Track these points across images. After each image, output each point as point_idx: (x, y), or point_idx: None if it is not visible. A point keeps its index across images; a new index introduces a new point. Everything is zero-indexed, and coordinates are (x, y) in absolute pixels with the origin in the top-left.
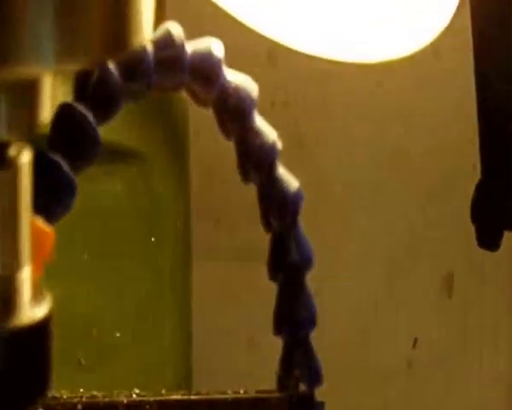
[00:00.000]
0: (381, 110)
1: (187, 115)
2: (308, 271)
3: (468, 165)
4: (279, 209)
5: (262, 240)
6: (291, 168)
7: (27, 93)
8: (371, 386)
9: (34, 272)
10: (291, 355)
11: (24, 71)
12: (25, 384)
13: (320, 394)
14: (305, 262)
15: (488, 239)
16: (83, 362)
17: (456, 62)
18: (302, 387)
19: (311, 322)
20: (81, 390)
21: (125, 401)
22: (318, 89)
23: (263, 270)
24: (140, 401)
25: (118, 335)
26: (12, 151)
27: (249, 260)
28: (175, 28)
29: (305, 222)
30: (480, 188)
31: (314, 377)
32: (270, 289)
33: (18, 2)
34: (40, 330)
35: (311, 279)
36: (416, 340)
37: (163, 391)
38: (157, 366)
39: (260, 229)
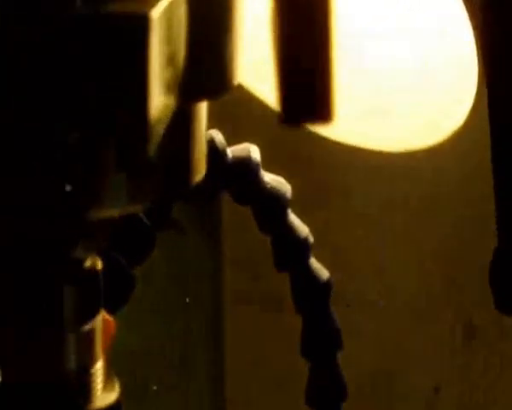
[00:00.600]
0: None
1: None
2: (338, 351)
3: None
4: (312, 295)
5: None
6: None
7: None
8: None
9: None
10: (317, 377)
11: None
12: None
13: None
14: (337, 342)
15: (506, 304)
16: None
17: None
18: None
19: (342, 397)
20: None
21: None
22: None
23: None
24: None
25: (154, 388)
26: (88, 263)
27: (279, 310)
28: (217, 135)
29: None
30: (497, 252)
31: (340, 396)
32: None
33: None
34: None
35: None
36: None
37: None
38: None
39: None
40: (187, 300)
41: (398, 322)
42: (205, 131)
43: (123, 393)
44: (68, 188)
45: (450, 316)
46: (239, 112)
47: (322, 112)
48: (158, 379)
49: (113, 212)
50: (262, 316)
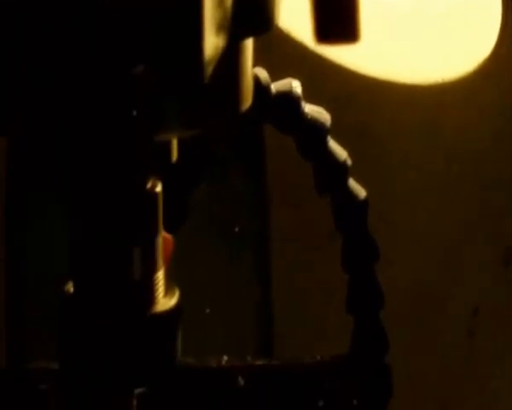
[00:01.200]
0: None
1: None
2: (375, 263)
3: None
4: (350, 217)
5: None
6: None
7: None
8: (433, 355)
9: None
10: (362, 330)
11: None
12: (160, 357)
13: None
14: (375, 256)
15: None
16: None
17: None
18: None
19: (380, 303)
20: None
21: (216, 366)
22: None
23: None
24: (228, 367)
25: (208, 310)
26: (149, 185)
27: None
28: (261, 73)
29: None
30: None
31: (382, 348)
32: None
33: None
34: (172, 315)
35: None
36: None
37: (248, 358)
38: (243, 335)
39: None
40: (236, 229)
41: (437, 249)
42: (251, 66)
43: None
44: (134, 112)
45: (489, 241)
46: (278, 52)
47: (349, 30)
48: (208, 304)
49: (172, 135)
50: (305, 251)
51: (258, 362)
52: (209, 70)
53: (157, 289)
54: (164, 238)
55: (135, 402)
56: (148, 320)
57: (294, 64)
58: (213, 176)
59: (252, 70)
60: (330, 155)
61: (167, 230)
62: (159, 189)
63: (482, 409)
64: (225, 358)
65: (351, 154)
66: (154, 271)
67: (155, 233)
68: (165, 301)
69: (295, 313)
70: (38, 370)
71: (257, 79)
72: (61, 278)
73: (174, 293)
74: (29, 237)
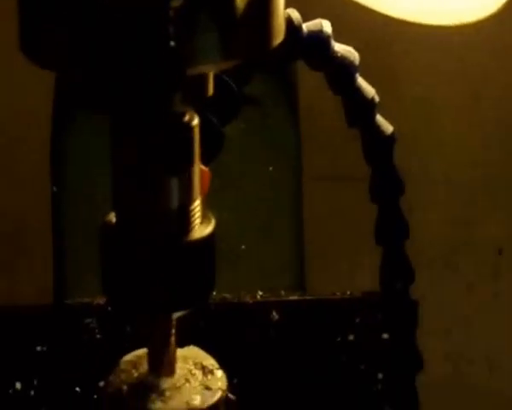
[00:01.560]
0: None
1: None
2: (401, 196)
3: None
4: (377, 149)
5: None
6: None
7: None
8: (460, 290)
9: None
10: (389, 262)
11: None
12: (199, 282)
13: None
14: (399, 189)
15: None
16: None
17: None
18: (398, 285)
19: (404, 234)
20: (213, 293)
21: (251, 301)
22: None
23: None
24: (263, 302)
25: (243, 247)
26: (186, 118)
27: (351, 180)
28: (294, 13)
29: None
30: None
31: (409, 279)
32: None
33: None
34: (207, 242)
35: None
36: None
37: (282, 292)
38: (277, 271)
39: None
40: (270, 168)
41: (461, 192)
42: (283, 6)
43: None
44: (172, 44)
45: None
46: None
47: None
48: (247, 240)
49: (208, 68)
50: (335, 189)
51: (292, 297)
52: (241, 5)
53: (194, 218)
54: (201, 170)
55: (174, 329)
56: (185, 247)
57: (326, 9)
58: (250, 116)
59: (284, 10)
60: (359, 90)
61: (203, 162)
62: (196, 122)
63: (507, 345)
64: (260, 293)
65: (379, 94)
66: (191, 200)
67: (192, 164)
68: (201, 229)
69: (326, 249)
70: (83, 305)
71: (289, 19)
72: (102, 211)
73: (210, 221)
74: (72, 171)
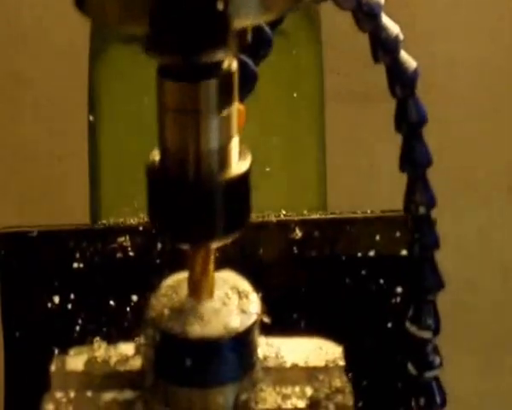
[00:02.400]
0: None
1: None
2: (423, 126)
3: None
4: (402, 83)
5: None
6: None
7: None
8: (476, 204)
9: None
10: (413, 186)
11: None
12: (236, 214)
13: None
14: (421, 121)
15: None
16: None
17: None
18: (422, 210)
19: (427, 162)
20: None
21: (275, 220)
22: None
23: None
24: (286, 221)
25: (268, 169)
26: (226, 63)
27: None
28: None
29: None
30: None
31: (430, 202)
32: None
33: None
34: (244, 177)
35: None
36: None
37: (305, 212)
38: (299, 191)
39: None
40: (294, 94)
41: (479, 106)
42: None
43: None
44: (220, 6)
45: None
46: None
47: None
48: (271, 163)
49: (251, 22)
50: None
51: (314, 216)
52: None
53: (232, 156)
54: (238, 109)
55: (212, 256)
56: (224, 184)
57: None
58: (277, 47)
59: None
60: (384, 27)
61: (238, 100)
62: (235, 67)
63: None
64: (283, 212)
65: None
66: (230, 139)
67: (232, 105)
68: (239, 165)
69: (348, 169)
70: (117, 225)
71: None
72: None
73: (246, 157)
74: (108, 101)
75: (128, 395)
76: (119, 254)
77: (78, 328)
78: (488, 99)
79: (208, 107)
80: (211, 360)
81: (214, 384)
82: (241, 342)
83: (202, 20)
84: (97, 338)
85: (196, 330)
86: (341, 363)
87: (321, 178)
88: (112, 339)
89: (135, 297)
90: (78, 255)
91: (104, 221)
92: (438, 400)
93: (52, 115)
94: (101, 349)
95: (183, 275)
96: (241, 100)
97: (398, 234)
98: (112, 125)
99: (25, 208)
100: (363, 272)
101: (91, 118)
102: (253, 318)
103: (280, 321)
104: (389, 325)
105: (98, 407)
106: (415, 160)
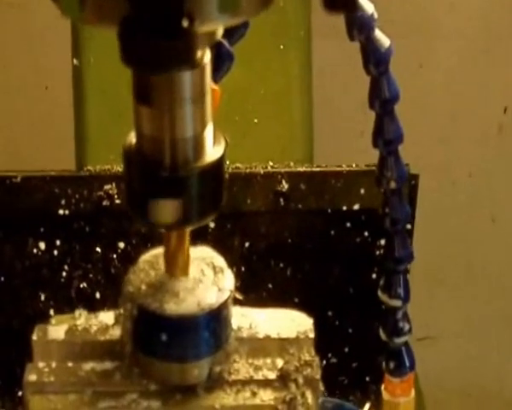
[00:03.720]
0: None
1: None
2: (396, 104)
3: None
4: (376, 60)
5: None
6: None
7: None
8: (464, 149)
9: None
10: (385, 162)
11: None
12: (211, 199)
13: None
14: (394, 98)
15: None
16: (228, 141)
17: None
18: (393, 185)
19: (399, 139)
20: (227, 163)
21: (262, 171)
22: None
23: None
24: (273, 172)
25: (256, 120)
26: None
27: None
28: None
29: None
30: None
31: (401, 177)
32: None
33: None
34: (218, 163)
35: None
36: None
37: (291, 164)
38: (286, 143)
39: None
40: (281, 46)
41: (468, 51)
42: None
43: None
44: None
45: None
46: None
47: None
48: (258, 113)
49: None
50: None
51: (301, 169)
52: None
53: (206, 143)
54: (212, 90)
55: (188, 237)
56: (198, 171)
57: None
58: None
59: None
60: (360, 7)
61: (214, 80)
62: (208, 58)
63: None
64: (270, 164)
65: None
66: (204, 127)
67: (206, 94)
68: (213, 152)
69: (334, 123)
70: (103, 172)
71: None
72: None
73: (220, 143)
74: (92, 46)
75: (107, 365)
76: (105, 202)
77: (64, 274)
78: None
79: (182, 96)
80: (186, 336)
81: (190, 358)
82: (216, 318)
83: (168, 38)
84: (79, 308)
85: (172, 307)
86: (311, 335)
87: (308, 131)
88: (98, 286)
89: (121, 244)
90: (63, 202)
91: (90, 168)
92: (407, 364)
93: (38, 56)
94: (81, 318)
95: (160, 250)
96: (217, 81)
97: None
98: (97, 70)
99: (9, 152)
100: (348, 225)
101: (76, 62)
102: (227, 294)
103: (267, 271)
104: (373, 275)
105: (78, 377)
106: (387, 136)
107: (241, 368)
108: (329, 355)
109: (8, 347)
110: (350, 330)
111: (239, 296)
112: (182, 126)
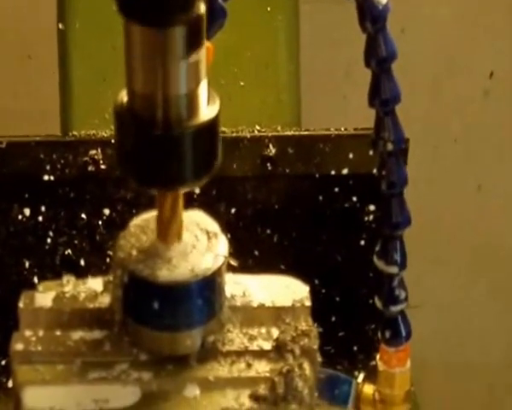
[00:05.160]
0: None
1: None
2: (393, 62)
3: None
4: (372, 18)
5: None
6: None
7: None
8: (449, 115)
9: None
10: (381, 123)
11: None
12: (205, 160)
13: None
14: (391, 56)
15: None
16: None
17: None
18: (390, 147)
19: (396, 99)
20: None
21: (249, 135)
22: None
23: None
24: (260, 136)
25: (242, 83)
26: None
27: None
28: None
29: None
30: None
31: (398, 139)
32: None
33: None
34: (213, 122)
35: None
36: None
37: (279, 128)
38: (273, 107)
39: None
40: (268, 8)
41: (454, 18)
42: None
43: None
44: None
45: (506, 10)
46: None
47: None
48: (244, 76)
49: None
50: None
51: (288, 132)
52: None
53: (201, 100)
54: (206, 47)
55: (181, 200)
56: (193, 130)
57: None
58: None
59: None
60: None
61: (207, 37)
62: (203, 10)
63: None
64: (257, 128)
65: None
66: (198, 83)
67: (200, 49)
68: (207, 110)
69: (322, 87)
70: (88, 137)
71: None
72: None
73: (215, 101)
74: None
75: (96, 334)
76: (90, 167)
77: (49, 241)
78: None
79: (176, 52)
80: (179, 304)
81: (182, 327)
82: (209, 286)
83: None
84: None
85: (164, 273)
86: (308, 303)
87: (295, 94)
88: (83, 253)
89: (106, 211)
90: (48, 167)
91: (75, 133)
92: (403, 333)
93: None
94: (69, 285)
95: (151, 214)
96: (209, 38)
97: (371, 152)
98: (82, 35)
99: None
100: (336, 190)
101: (61, 26)
102: (221, 260)
103: (253, 238)
104: (362, 242)
105: (67, 347)
106: (384, 96)
107: (236, 338)
108: (316, 324)
109: None
110: (337, 299)
111: (233, 263)
112: (175, 83)
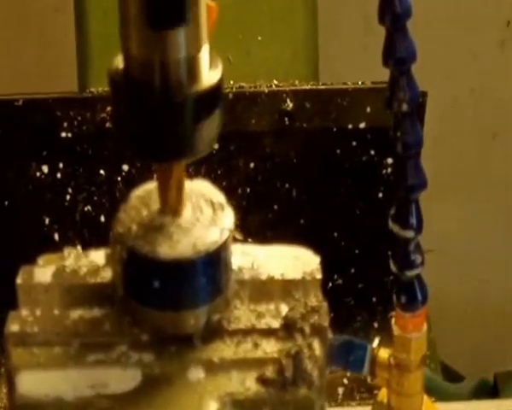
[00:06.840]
0: None
1: None
2: (408, 19)
3: None
4: (392, 15)
5: None
6: None
7: None
8: (465, 64)
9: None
10: (396, 82)
11: None
12: (208, 129)
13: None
14: (406, 13)
15: None
16: (231, 59)
17: None
18: (405, 107)
19: (412, 57)
20: (231, 82)
21: (266, 90)
22: None
23: None
24: (278, 91)
25: (259, 38)
26: None
27: None
28: None
29: None
30: None
31: (414, 99)
32: None
33: None
34: (216, 88)
35: None
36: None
37: (296, 82)
38: (291, 61)
39: None
40: None
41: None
42: None
43: None
44: None
45: None
46: None
47: None
48: (262, 31)
49: None
50: None
51: (306, 86)
52: None
53: (202, 65)
54: (208, 6)
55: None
56: (194, 97)
57: None
58: None
59: None
60: None
61: None
62: None
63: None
64: (275, 82)
65: None
66: (199, 47)
67: (201, 10)
68: (209, 76)
69: (339, 40)
70: (107, 94)
71: None
72: None
73: (217, 66)
74: None
75: (96, 312)
76: (108, 124)
77: (68, 197)
78: None
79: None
80: (182, 282)
81: (185, 306)
82: (214, 262)
83: None
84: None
85: (166, 250)
86: (318, 276)
87: (313, 47)
88: (102, 210)
89: (125, 167)
90: (65, 124)
91: (93, 90)
92: (419, 297)
93: None
94: (70, 258)
95: (153, 185)
96: None
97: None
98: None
99: (11, 75)
100: (354, 144)
101: None
102: (227, 234)
103: (272, 192)
104: (380, 195)
105: (65, 327)
106: (399, 54)
107: (243, 316)
108: (335, 277)
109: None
110: (356, 251)
111: (238, 236)
112: (175, 45)
